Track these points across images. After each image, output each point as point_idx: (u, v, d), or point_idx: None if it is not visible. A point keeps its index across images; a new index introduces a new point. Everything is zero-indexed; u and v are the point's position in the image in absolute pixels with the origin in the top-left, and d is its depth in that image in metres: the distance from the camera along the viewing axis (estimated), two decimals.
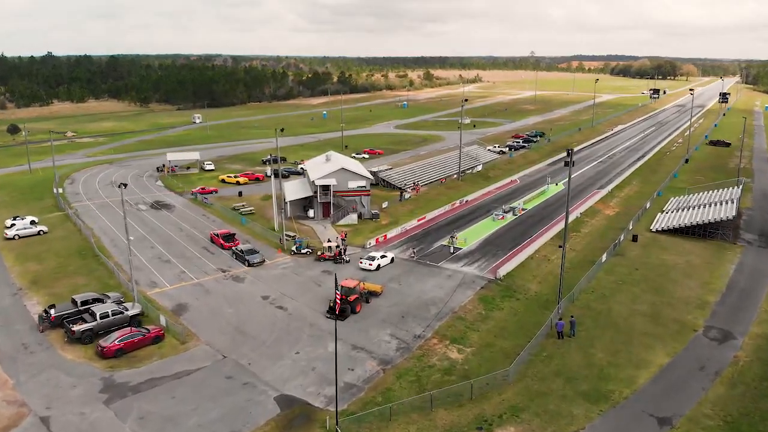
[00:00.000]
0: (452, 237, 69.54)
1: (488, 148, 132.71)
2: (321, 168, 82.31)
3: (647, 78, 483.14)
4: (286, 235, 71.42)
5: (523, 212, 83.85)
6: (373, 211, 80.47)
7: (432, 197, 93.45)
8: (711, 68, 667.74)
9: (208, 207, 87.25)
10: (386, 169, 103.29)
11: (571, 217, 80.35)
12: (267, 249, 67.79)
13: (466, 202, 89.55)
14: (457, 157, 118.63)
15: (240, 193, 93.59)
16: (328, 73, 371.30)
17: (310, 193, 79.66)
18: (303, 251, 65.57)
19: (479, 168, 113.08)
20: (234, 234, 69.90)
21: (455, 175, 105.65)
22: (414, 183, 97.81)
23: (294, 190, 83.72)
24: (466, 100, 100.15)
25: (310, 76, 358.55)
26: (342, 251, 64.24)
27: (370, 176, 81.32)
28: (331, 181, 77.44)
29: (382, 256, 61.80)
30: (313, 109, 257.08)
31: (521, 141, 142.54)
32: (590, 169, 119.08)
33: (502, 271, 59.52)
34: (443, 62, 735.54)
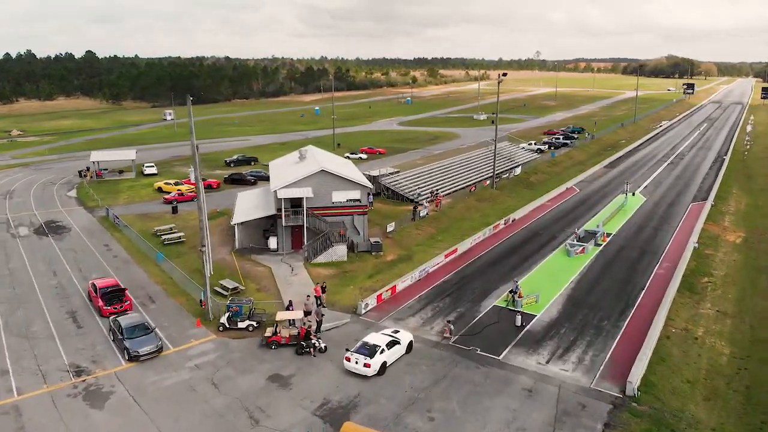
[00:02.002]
0: (513, 292, 39.22)
1: (522, 145, 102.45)
2: (290, 171, 52.05)
3: (662, 77, 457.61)
4: (221, 288, 41.18)
5: (607, 240, 53.60)
6: (372, 240, 50.17)
7: (460, 214, 63.17)
8: (725, 68, 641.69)
9: (119, 231, 56.97)
10: (392, 173, 72.96)
11: (685, 248, 50.12)
12: (181, 317, 37.62)
13: (513, 221, 59.27)
14: (483, 157, 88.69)
15: (174, 209, 63.02)
16: (324, 69, 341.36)
17: (274, 211, 49.42)
18: (243, 325, 35.33)
19: (517, 171, 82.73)
20: (122, 289, 39.59)
21: (487, 181, 75.30)
22: (432, 193, 67.50)
23: (247, 206, 53.37)
24: (504, 74, 69.22)
25: (303, 71, 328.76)
26: (315, 327, 34.12)
27: (368, 184, 51.00)
28: (305, 192, 47.26)
29: (390, 342, 31.31)
30: (305, 106, 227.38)
31: (561, 137, 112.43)
32: (665, 171, 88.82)
33: (634, 378, 29.24)
34: (445, 63, 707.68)
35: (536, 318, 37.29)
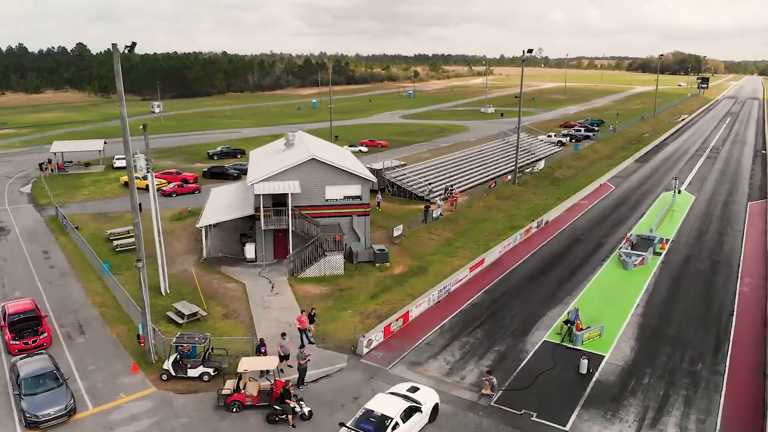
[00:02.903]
0: (570, 323, 28.86)
1: (541, 137, 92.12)
2: (273, 161, 41.66)
3: (668, 73, 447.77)
4: (175, 313, 30.90)
5: (666, 247, 43.23)
6: (376, 248, 39.79)
7: (479, 214, 52.84)
8: (730, 66, 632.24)
9: (66, 234, 46.58)
10: (397, 167, 62.56)
11: (765, 257, 39.80)
12: (114, 358, 27.26)
13: (547, 224, 48.90)
14: (500, 149, 78.46)
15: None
16: (323, 63, 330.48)
17: (252, 211, 38.98)
18: (196, 373, 24.95)
19: (540, 165, 72.35)
20: (38, 317, 29.20)
21: (508, 176, 64.93)
22: (446, 189, 57.13)
23: (220, 205, 42.98)
24: (530, 50, 58.38)
25: (301, 65, 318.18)
26: (296, 379, 23.89)
27: (371, 176, 40.60)
28: (290, 187, 36.85)
29: (408, 410, 20.79)
30: (302, 99, 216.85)
31: (582, 129, 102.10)
32: (705, 166, 78.34)
33: None
34: (447, 60, 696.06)
35: (605, 360, 26.98)
